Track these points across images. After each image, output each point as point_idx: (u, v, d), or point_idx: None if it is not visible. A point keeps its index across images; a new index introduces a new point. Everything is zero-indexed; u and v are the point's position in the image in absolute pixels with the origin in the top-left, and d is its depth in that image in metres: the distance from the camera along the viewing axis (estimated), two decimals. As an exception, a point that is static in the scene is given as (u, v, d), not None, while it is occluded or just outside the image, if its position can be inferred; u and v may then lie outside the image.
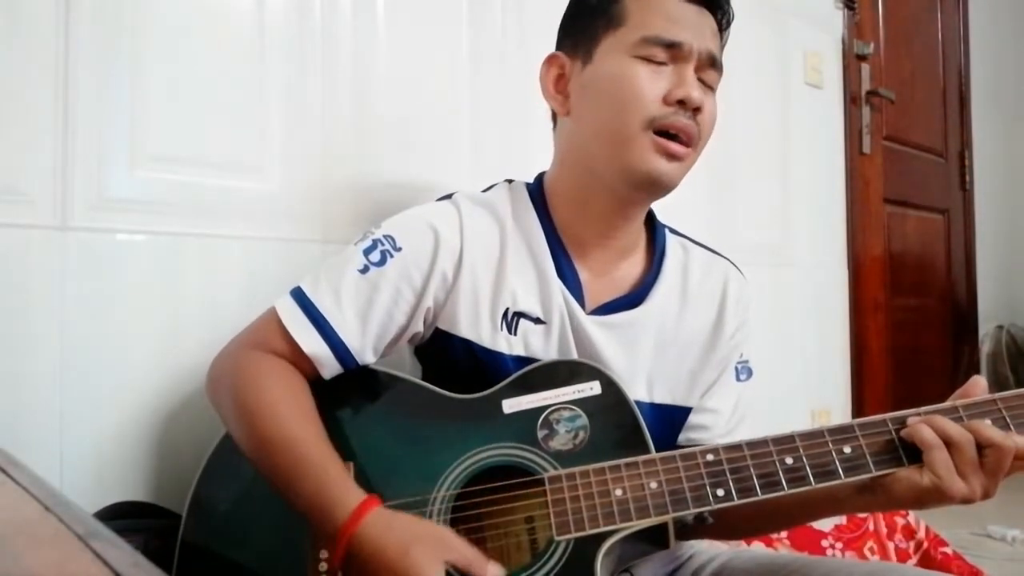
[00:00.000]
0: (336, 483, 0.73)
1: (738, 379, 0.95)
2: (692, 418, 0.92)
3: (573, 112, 0.88)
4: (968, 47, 2.99)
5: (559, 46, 0.91)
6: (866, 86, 2.31)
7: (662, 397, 0.90)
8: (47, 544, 0.39)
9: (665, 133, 0.81)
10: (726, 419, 0.93)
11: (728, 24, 0.88)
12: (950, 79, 2.88)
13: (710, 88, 0.85)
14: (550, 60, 0.90)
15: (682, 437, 0.92)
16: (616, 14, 0.84)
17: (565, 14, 0.92)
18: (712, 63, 0.84)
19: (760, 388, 0.98)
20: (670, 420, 0.91)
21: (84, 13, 0.93)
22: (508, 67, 1.34)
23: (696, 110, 0.82)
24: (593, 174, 0.86)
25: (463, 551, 0.69)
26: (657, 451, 0.77)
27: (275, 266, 1.08)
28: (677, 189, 0.88)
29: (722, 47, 0.88)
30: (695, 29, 0.83)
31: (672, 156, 0.82)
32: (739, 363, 0.95)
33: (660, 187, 0.85)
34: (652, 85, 0.81)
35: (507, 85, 1.34)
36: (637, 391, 0.88)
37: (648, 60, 0.82)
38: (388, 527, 0.70)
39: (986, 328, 3.10)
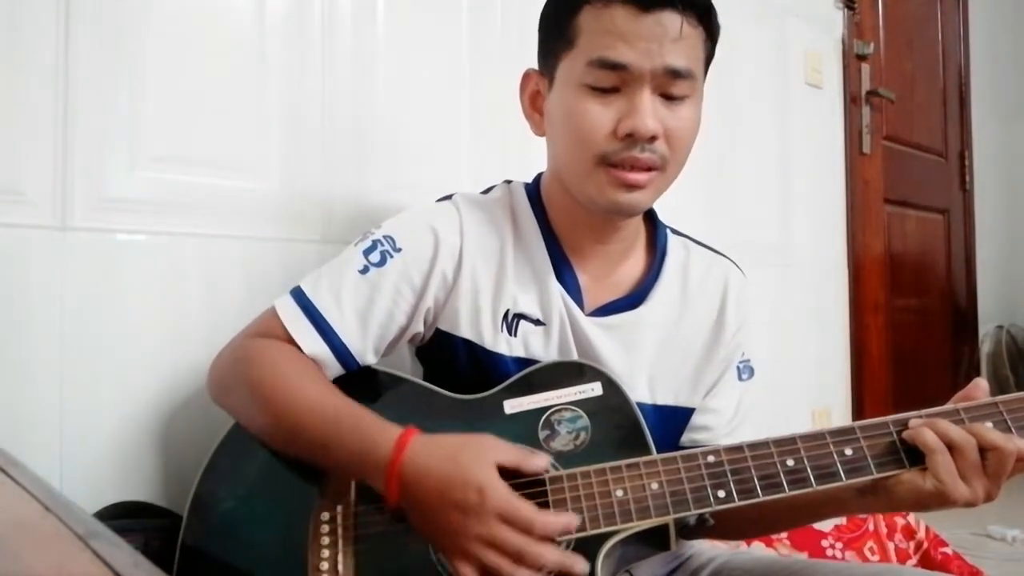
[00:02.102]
0: (371, 426, 0.73)
1: (740, 378, 0.95)
2: (695, 419, 0.92)
3: (547, 134, 0.88)
4: (968, 47, 2.99)
5: (537, 62, 0.89)
6: (866, 86, 2.31)
7: (665, 398, 0.90)
8: (47, 544, 0.39)
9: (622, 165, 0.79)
10: (728, 419, 0.93)
11: (704, 13, 0.80)
12: (950, 79, 2.88)
13: (682, 98, 0.80)
14: (525, 78, 0.90)
15: (685, 438, 0.92)
16: (570, 34, 0.80)
17: (538, 30, 0.88)
18: (676, 75, 0.78)
19: (760, 388, 0.97)
20: (673, 421, 0.91)
21: (84, 13, 0.93)
22: (508, 67, 1.33)
23: (652, 138, 0.78)
24: (571, 194, 0.86)
25: (510, 450, 0.71)
26: (660, 452, 0.77)
27: (275, 266, 1.08)
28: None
29: (707, 40, 0.81)
30: (648, 44, 0.76)
31: (632, 186, 0.80)
32: (740, 362, 0.94)
33: (626, 215, 0.85)
34: (600, 119, 0.78)
35: (507, 85, 1.33)
36: (639, 392, 0.87)
37: (596, 88, 0.78)
38: (432, 450, 0.70)
39: (986, 328, 3.10)
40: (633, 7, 0.76)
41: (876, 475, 0.72)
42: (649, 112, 0.77)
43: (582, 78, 0.79)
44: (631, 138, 0.78)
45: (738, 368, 0.94)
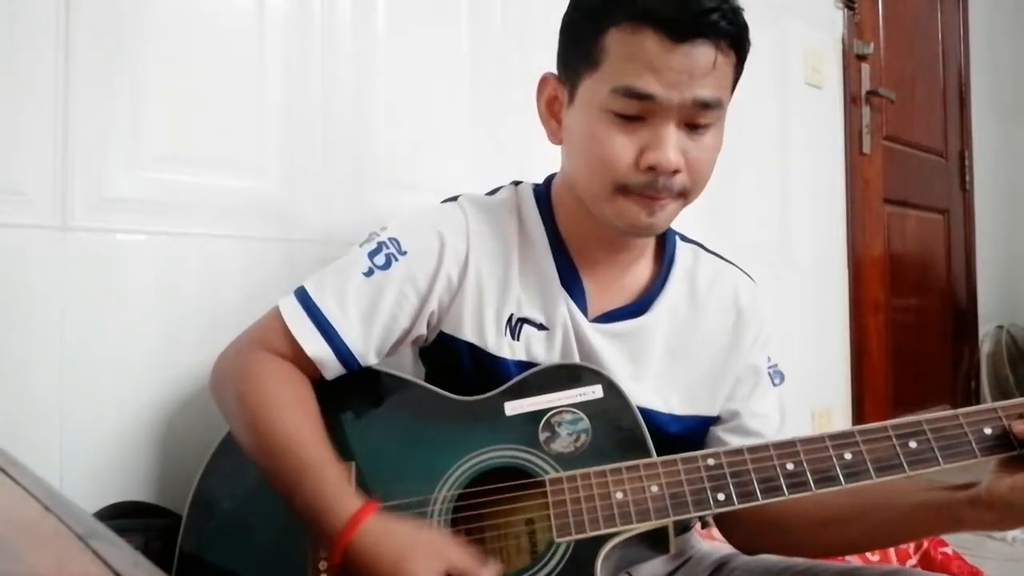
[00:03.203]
0: (334, 489, 0.72)
1: (773, 384, 0.94)
2: (746, 423, 0.90)
3: (564, 146, 0.86)
4: (968, 47, 2.99)
5: (557, 69, 0.86)
6: (866, 86, 2.31)
7: (683, 408, 0.89)
8: (47, 544, 0.39)
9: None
10: (776, 427, 0.92)
11: (738, 39, 0.76)
12: (950, 79, 2.88)
13: (706, 127, 0.78)
14: (543, 82, 0.86)
15: (742, 444, 0.89)
16: (595, 54, 0.76)
17: (559, 37, 0.85)
18: (705, 106, 0.75)
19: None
20: (698, 430, 0.90)
21: (84, 14, 0.93)
22: (508, 67, 1.34)
23: (674, 172, 0.76)
24: (585, 204, 0.84)
25: (460, 557, 0.69)
26: None
27: (275, 266, 1.08)
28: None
29: (738, 64, 0.79)
30: (678, 76, 0.73)
31: (653, 209, 0.79)
32: (770, 368, 0.93)
33: (644, 236, 0.84)
34: (623, 149, 0.76)
35: (507, 84, 1.33)
36: (651, 400, 0.87)
37: (621, 115, 0.75)
38: (385, 533, 0.69)
39: (986, 328, 3.10)
40: (665, 37, 0.72)
41: (875, 479, 0.72)
42: (673, 146, 0.75)
43: (606, 103, 0.76)
44: (653, 171, 0.76)
45: (770, 374, 0.93)
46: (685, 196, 0.80)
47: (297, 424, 0.77)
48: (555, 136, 0.86)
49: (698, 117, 0.76)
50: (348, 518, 0.70)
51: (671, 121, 0.75)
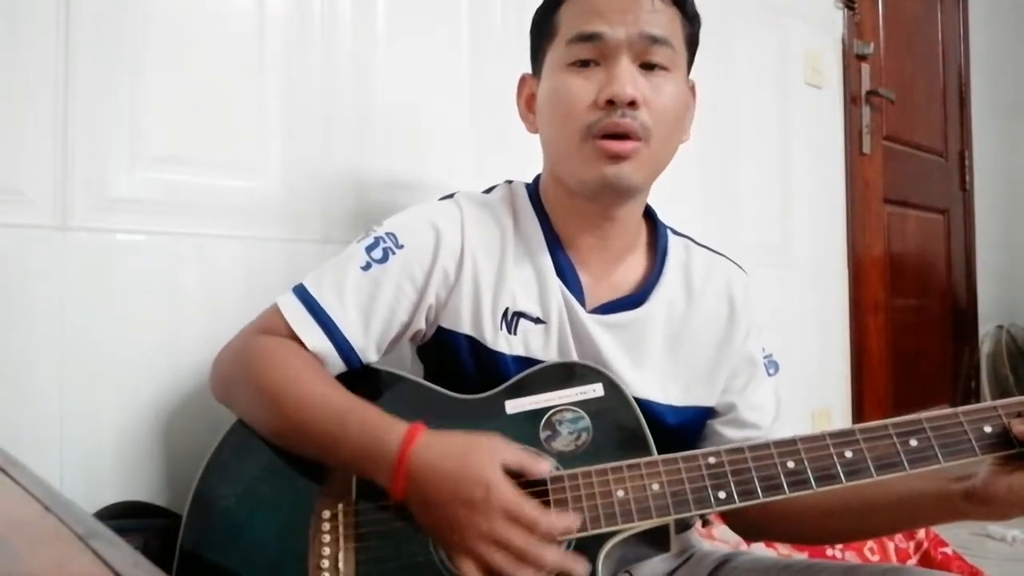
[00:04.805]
0: (377, 421, 0.74)
1: (768, 374, 0.94)
2: (742, 415, 0.91)
3: (539, 128, 0.90)
4: (968, 47, 2.99)
5: (531, 67, 0.92)
6: (866, 86, 2.31)
7: (682, 399, 0.89)
8: (47, 544, 0.39)
9: (606, 135, 0.80)
10: (772, 416, 0.93)
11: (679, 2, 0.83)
12: (950, 79, 2.89)
13: (663, 68, 0.82)
14: (521, 83, 0.93)
15: (738, 435, 0.90)
16: (553, 27, 0.84)
17: (529, 39, 0.92)
18: (653, 40, 0.80)
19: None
20: (696, 421, 0.91)
21: (84, 13, 0.93)
22: (508, 67, 1.33)
23: (632, 104, 0.79)
24: (565, 185, 0.87)
25: (516, 452, 0.72)
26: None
27: (275, 266, 1.08)
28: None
29: (685, 21, 0.84)
30: (621, 16, 0.79)
31: (616, 157, 0.80)
32: (765, 358, 0.94)
33: (617, 190, 0.84)
34: (582, 92, 0.81)
35: (507, 84, 1.33)
36: (651, 393, 0.87)
37: (578, 65, 0.81)
38: (442, 441, 0.72)
39: (986, 328, 3.10)
40: None
41: (876, 477, 0.72)
42: (628, 79, 0.79)
43: (564, 59, 0.82)
44: (611, 105, 0.79)
45: (765, 364, 0.94)
46: (648, 141, 0.81)
47: (322, 382, 0.79)
48: (532, 126, 0.91)
49: (649, 54, 0.81)
50: (403, 436, 0.71)
51: (623, 56, 0.80)
